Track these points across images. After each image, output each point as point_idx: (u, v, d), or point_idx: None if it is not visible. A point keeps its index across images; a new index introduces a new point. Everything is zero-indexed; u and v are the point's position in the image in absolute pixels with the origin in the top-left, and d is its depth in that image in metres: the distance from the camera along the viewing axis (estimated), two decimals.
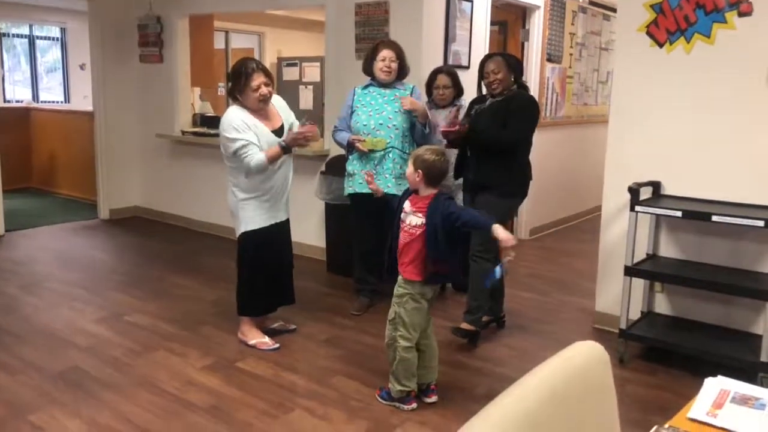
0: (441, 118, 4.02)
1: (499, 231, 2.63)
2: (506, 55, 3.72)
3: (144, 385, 3.03)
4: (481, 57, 5.06)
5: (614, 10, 7.18)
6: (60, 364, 3.23)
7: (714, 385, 1.49)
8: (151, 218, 6.67)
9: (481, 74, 3.60)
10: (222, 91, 8.07)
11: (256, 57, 9.54)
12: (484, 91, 3.67)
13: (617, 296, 3.68)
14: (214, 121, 6.19)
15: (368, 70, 3.89)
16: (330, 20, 5.06)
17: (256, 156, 3.22)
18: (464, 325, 3.57)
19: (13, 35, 9.81)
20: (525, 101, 3.52)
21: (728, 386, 1.48)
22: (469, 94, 4.21)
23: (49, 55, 10.29)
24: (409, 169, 2.83)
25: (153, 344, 3.50)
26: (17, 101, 9.46)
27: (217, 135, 4.63)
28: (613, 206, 3.82)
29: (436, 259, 2.74)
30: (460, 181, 3.79)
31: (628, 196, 3.45)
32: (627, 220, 3.49)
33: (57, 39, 10.22)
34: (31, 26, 9.90)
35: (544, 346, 3.65)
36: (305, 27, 9.12)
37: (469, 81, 4.40)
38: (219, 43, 8.65)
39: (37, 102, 9.81)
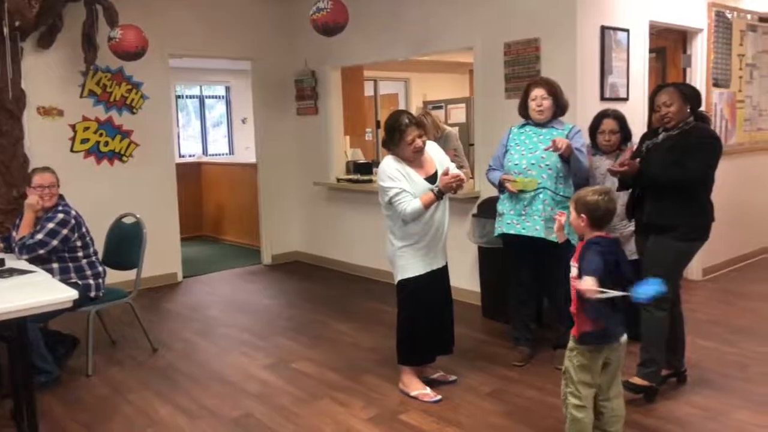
0: (606, 165, 3.78)
1: (581, 282, 2.45)
2: (681, 85, 3.44)
3: None
4: (640, 87, 4.86)
5: None
6: (234, 411, 3.38)
7: None
8: (310, 263, 6.95)
9: (652, 107, 3.35)
10: (369, 136, 8.32)
11: (402, 101, 9.79)
12: (653, 125, 3.42)
13: None
14: (366, 168, 6.38)
15: (523, 111, 3.80)
16: (478, 61, 5.05)
17: (411, 203, 3.24)
18: (635, 379, 3.28)
19: (186, 96, 10.86)
20: (704, 135, 3.21)
21: None
22: (633, 128, 3.97)
23: (215, 111, 11.26)
24: (572, 214, 2.68)
25: (318, 393, 3.57)
26: (190, 155, 10.42)
27: (369, 181, 4.66)
28: None
29: (592, 316, 2.54)
30: (632, 227, 3.54)
31: None
32: None
33: (222, 97, 11.16)
34: (201, 87, 10.92)
35: (737, 405, 3.25)
36: (449, 69, 9.21)
37: (629, 113, 4.16)
38: (368, 90, 8.98)
39: (206, 155, 10.74)
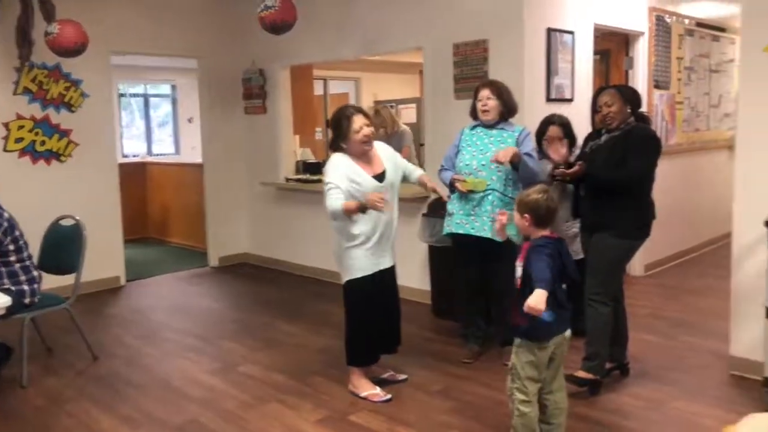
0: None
1: (533, 295, 2.41)
2: (621, 87, 3.53)
3: None
4: (585, 89, 4.96)
5: (723, 30, 6.80)
6: (179, 417, 3.28)
7: None
8: (259, 264, 6.84)
9: (594, 108, 3.43)
10: (319, 135, 8.26)
11: (353, 101, 9.77)
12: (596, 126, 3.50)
13: (756, 339, 3.36)
14: (316, 167, 6.33)
15: (473, 112, 3.85)
16: (428, 62, 5.06)
17: (335, 202, 3.18)
18: (580, 373, 3.35)
19: (130, 95, 10.57)
20: (643, 136, 3.30)
21: None
22: (577, 128, 4.05)
23: (160, 111, 11.00)
24: (516, 216, 2.71)
25: (266, 396, 3.51)
26: (134, 155, 10.14)
27: (318, 181, 4.59)
28: (746, 242, 3.50)
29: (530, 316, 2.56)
30: (576, 227, 3.62)
31: (762, 230, 3.16)
32: (762, 257, 3.20)
33: (168, 95, 10.91)
34: (145, 86, 10.64)
35: (675, 396, 3.35)
36: (400, 69, 9.24)
37: (573, 114, 4.25)
38: (318, 90, 8.92)
39: (151, 154, 10.48)
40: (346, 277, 3.43)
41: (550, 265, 2.52)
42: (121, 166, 6.32)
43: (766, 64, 3.35)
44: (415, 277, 5.09)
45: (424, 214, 4.76)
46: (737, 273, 3.58)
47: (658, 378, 3.59)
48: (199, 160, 7.31)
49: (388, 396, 3.39)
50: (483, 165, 3.70)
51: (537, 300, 2.40)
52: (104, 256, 5.76)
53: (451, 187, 3.77)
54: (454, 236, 3.84)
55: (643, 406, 3.26)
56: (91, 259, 4.29)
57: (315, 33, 5.77)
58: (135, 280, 6.29)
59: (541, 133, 3.99)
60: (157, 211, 8.57)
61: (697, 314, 4.72)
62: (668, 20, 5.92)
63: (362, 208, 3.16)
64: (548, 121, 3.99)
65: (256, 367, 3.93)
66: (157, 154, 10.66)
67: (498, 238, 3.27)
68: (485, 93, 3.74)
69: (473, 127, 3.86)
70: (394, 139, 6.18)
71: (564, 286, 2.66)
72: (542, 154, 3.99)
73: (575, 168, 3.33)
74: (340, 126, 3.33)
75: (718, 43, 6.79)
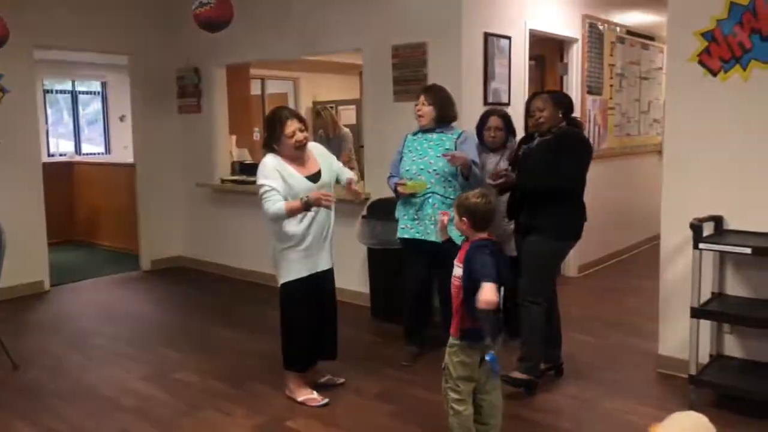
0: (492, 162, 3.94)
1: (482, 290, 2.43)
2: (553, 92, 3.63)
3: None
4: (521, 93, 5.05)
5: (653, 39, 7.08)
6: (109, 427, 3.15)
7: None
8: (194, 267, 6.66)
9: (527, 113, 3.50)
10: (257, 135, 8.13)
11: (291, 102, 9.65)
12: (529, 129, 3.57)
13: (682, 338, 3.48)
14: (252, 168, 6.20)
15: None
16: (367, 63, 5.05)
17: (275, 204, 3.13)
18: (515, 374, 3.39)
19: (57, 91, 10.12)
20: (573, 140, 3.38)
21: None
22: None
23: (90, 108, 10.57)
24: (455, 218, 2.73)
25: (201, 403, 3.40)
26: (61, 154, 9.70)
27: (255, 182, 4.56)
28: (673, 244, 3.63)
29: (474, 315, 2.59)
30: (512, 226, 3.68)
31: (688, 232, 3.27)
32: (688, 258, 3.31)
33: (98, 93, 10.50)
34: (73, 82, 10.21)
35: (607, 394, 3.44)
36: (340, 70, 9.18)
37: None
38: (255, 89, 8.78)
39: (79, 153, 10.06)
40: (281, 280, 3.37)
41: (494, 263, 2.55)
42: (46, 165, 6.05)
43: (691, 73, 3.49)
44: (354, 280, 5.05)
45: (363, 216, 4.74)
46: (665, 274, 3.71)
47: (590, 377, 3.67)
48: (131, 159, 7.06)
49: (326, 400, 3.34)
50: (422, 169, 3.75)
51: (489, 293, 2.42)
52: (26, 260, 5.47)
53: (396, 192, 3.81)
54: (402, 240, 3.90)
55: (577, 405, 3.33)
56: (12, 263, 4.07)
57: (252, 31, 5.67)
58: (61, 285, 6.00)
59: (481, 125, 4.10)
60: (86, 212, 8.22)
61: (629, 314, 4.88)
62: (601, 28, 6.11)
63: (307, 206, 3.12)
64: (489, 113, 4.12)
65: (191, 374, 3.81)
66: (87, 154, 10.24)
67: (439, 239, 3.29)
68: (421, 99, 3.83)
69: (415, 133, 3.92)
70: (334, 141, 6.15)
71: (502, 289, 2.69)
72: (484, 146, 4.07)
73: (501, 180, 3.43)
74: (273, 129, 3.27)
75: (648, 51, 7.05)
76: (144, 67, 6.41)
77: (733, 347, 3.50)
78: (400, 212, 3.87)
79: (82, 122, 10.48)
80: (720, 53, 3.41)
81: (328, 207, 3.18)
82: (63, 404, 3.43)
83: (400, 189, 3.74)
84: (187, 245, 6.80)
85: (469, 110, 4.46)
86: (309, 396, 3.37)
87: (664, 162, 3.68)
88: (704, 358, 3.42)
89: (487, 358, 2.57)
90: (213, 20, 4.32)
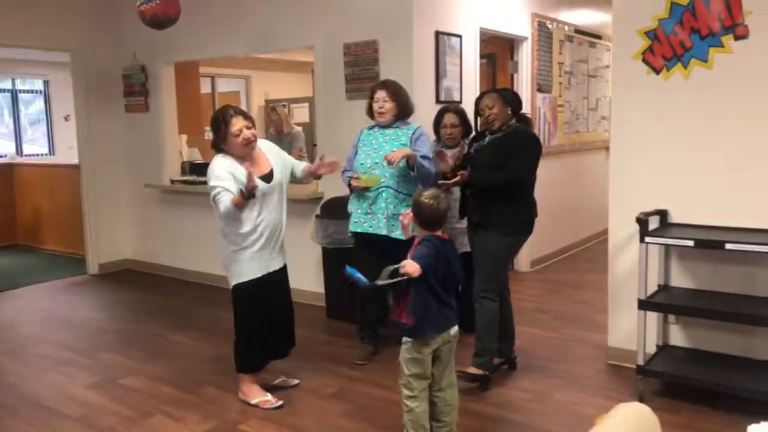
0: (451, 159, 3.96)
1: (408, 263, 2.57)
2: (502, 90, 3.66)
3: None
4: (472, 91, 5.09)
5: (600, 37, 7.23)
6: None
7: None
8: (143, 271, 6.50)
9: (477, 112, 3.53)
10: (208, 135, 7.98)
11: (243, 100, 9.51)
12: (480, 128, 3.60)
13: (630, 330, 3.56)
14: (202, 168, 6.08)
15: (369, 111, 3.88)
16: (319, 61, 5.00)
17: (224, 202, 3.08)
18: (471, 369, 3.42)
19: None
20: (522, 138, 3.41)
21: None
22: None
23: (33, 107, 10.20)
24: (412, 215, 2.74)
25: (150, 409, 3.31)
26: (1, 156, 9.32)
27: (206, 182, 4.50)
28: (621, 237, 3.71)
29: (406, 311, 2.62)
30: (464, 223, 3.70)
31: (635, 226, 3.35)
32: (635, 251, 3.39)
33: (40, 91, 10.14)
34: (13, 80, 9.83)
35: (559, 387, 3.49)
36: (292, 68, 9.10)
37: None
38: (205, 88, 8.61)
39: (21, 154, 9.69)
40: (233, 282, 3.31)
41: (432, 256, 2.60)
42: None
43: (635, 71, 3.57)
44: (308, 280, 5.00)
45: (317, 216, 4.69)
46: (613, 267, 3.79)
47: (543, 370, 3.73)
48: (76, 160, 6.83)
49: (280, 402, 3.30)
50: (376, 163, 3.75)
51: (410, 266, 2.54)
52: None
53: (350, 186, 3.80)
54: (354, 235, 3.87)
55: (529, 399, 3.37)
56: None
57: (201, 28, 5.55)
58: (2, 292, 5.77)
59: (437, 122, 4.14)
60: (28, 215, 7.92)
61: (580, 307, 4.97)
62: (549, 26, 6.21)
63: (247, 196, 3.06)
64: (444, 110, 4.16)
65: (140, 379, 3.71)
66: (29, 155, 9.87)
67: (400, 236, 3.29)
68: (381, 95, 3.78)
69: (371, 128, 3.91)
70: (285, 140, 6.08)
71: (459, 288, 2.72)
72: (440, 143, 4.09)
73: (457, 179, 3.44)
74: (218, 128, 3.20)
75: (595, 49, 7.21)
76: (88, 64, 6.21)
77: (678, 337, 3.61)
78: (353, 206, 3.84)
79: (24, 122, 10.10)
80: (662, 52, 3.50)
81: (253, 184, 3.06)
82: (3, 415, 3.29)
83: (353, 183, 3.74)
84: (137, 248, 6.62)
85: (422, 108, 4.46)
86: (263, 398, 3.31)
87: (611, 158, 3.75)
88: (651, 348, 3.51)
89: (346, 269, 2.65)
90: (159, 17, 4.20)
